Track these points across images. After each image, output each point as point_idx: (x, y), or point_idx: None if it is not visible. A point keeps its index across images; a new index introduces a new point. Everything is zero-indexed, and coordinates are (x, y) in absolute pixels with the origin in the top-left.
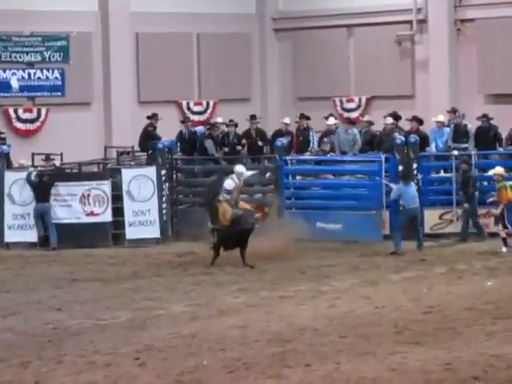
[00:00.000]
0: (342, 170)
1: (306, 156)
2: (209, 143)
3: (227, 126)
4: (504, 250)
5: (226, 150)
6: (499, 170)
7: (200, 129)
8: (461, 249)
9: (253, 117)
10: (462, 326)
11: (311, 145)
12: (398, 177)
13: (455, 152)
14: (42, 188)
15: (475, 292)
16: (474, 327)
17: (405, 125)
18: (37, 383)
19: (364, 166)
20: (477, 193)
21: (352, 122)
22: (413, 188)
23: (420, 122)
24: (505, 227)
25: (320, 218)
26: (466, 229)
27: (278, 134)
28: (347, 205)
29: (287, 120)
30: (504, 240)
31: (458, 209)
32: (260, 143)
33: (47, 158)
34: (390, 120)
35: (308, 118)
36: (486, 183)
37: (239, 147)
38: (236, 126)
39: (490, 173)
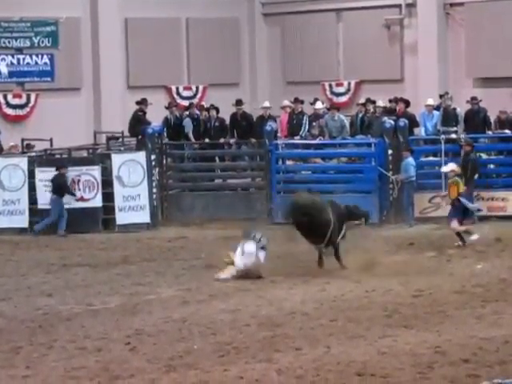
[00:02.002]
0: (337, 153)
1: (297, 140)
2: (187, 122)
3: (208, 110)
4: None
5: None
6: (452, 166)
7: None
8: (450, 232)
9: (238, 102)
10: (452, 309)
11: (303, 129)
12: (404, 150)
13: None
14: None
15: (465, 275)
16: (463, 310)
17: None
18: (28, 368)
19: (359, 149)
20: (476, 176)
21: (336, 108)
22: None
23: (407, 103)
24: (460, 223)
25: None
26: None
27: (262, 119)
28: (342, 188)
29: (267, 104)
30: (458, 235)
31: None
32: None
33: (28, 146)
34: (381, 103)
35: (302, 102)
36: (491, 166)
37: (222, 139)
38: (217, 110)
39: (444, 170)
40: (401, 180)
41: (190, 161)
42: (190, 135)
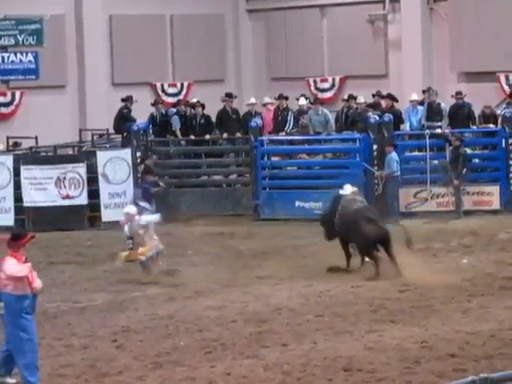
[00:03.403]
0: (322, 149)
1: (282, 136)
2: (175, 119)
3: (194, 107)
4: None
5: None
6: (352, 188)
7: (174, 110)
8: (435, 227)
9: (229, 95)
10: (438, 303)
11: (287, 125)
12: (387, 145)
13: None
14: None
15: (451, 270)
16: (449, 305)
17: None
18: None
19: (344, 144)
20: (465, 170)
21: (320, 102)
22: None
23: (394, 99)
24: None
25: (299, 197)
26: (459, 205)
27: (248, 115)
28: (328, 183)
29: (253, 100)
30: None
31: (432, 187)
32: None
33: (15, 144)
34: (362, 99)
35: (286, 98)
36: (476, 160)
37: (207, 136)
38: (203, 107)
39: (343, 192)
40: (385, 176)
41: (176, 157)
42: (178, 132)
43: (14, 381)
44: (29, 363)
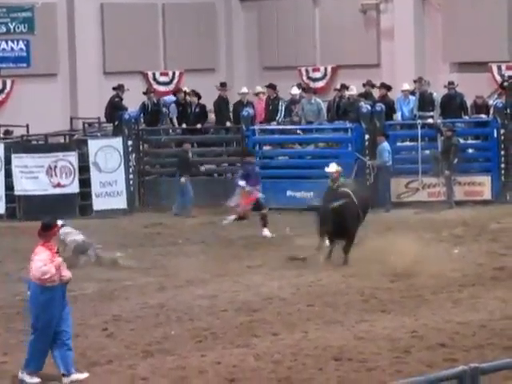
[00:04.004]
0: (314, 139)
1: (274, 126)
2: (172, 107)
3: (186, 94)
4: None
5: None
6: (336, 167)
7: (169, 98)
8: (427, 217)
9: (223, 84)
10: (429, 293)
11: (279, 114)
12: (379, 135)
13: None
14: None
15: (442, 260)
16: (440, 295)
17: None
18: (5, 355)
19: (336, 134)
20: (456, 160)
21: (313, 91)
22: None
23: (388, 88)
24: None
25: (290, 186)
26: (450, 196)
27: (240, 104)
28: (320, 173)
29: (245, 89)
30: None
31: (424, 177)
32: None
33: (6, 132)
34: (353, 91)
35: (274, 88)
36: (470, 151)
37: (199, 125)
38: (199, 96)
39: (328, 170)
40: (376, 166)
41: (168, 146)
42: (175, 120)
43: (37, 380)
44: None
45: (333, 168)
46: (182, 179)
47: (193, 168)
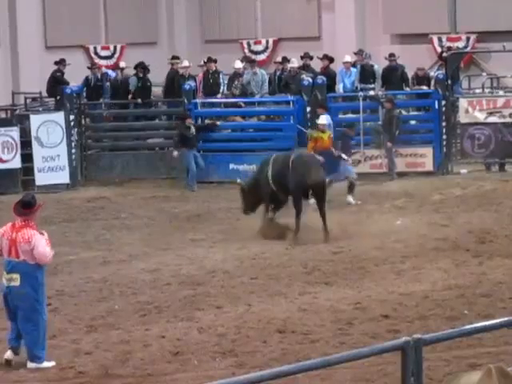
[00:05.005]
0: (256, 112)
1: (216, 99)
2: (132, 80)
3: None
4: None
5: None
6: (328, 118)
7: (111, 72)
8: (369, 189)
9: (175, 57)
10: (372, 265)
11: (221, 88)
12: (319, 107)
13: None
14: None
15: (384, 231)
16: (383, 266)
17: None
18: None
19: (278, 107)
20: (397, 132)
21: (254, 61)
22: None
23: (331, 60)
24: None
25: (233, 159)
26: (392, 168)
27: (181, 78)
28: (262, 146)
29: (186, 63)
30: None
31: (365, 149)
32: None
33: None
34: (294, 63)
35: (215, 61)
36: (412, 122)
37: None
38: (147, 70)
39: (320, 122)
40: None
41: (109, 120)
42: (135, 93)
43: (52, 363)
44: (40, 338)
45: (324, 120)
46: (175, 153)
47: (195, 142)
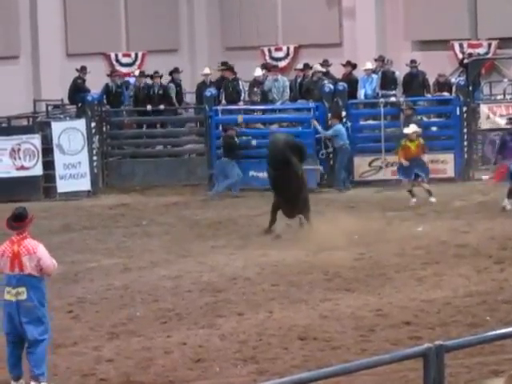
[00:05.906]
0: (277, 118)
1: (238, 106)
2: (172, 87)
3: (152, 77)
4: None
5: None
6: (414, 128)
7: (132, 80)
8: (390, 195)
9: (224, 63)
10: (393, 271)
11: (242, 95)
12: (332, 118)
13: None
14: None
15: (405, 238)
16: (404, 273)
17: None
18: None
19: (297, 114)
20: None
21: (275, 68)
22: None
23: (353, 66)
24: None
25: (253, 166)
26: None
27: (203, 85)
28: None
29: (207, 70)
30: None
31: (387, 156)
32: None
33: None
34: (318, 68)
35: (231, 69)
36: (434, 129)
37: (162, 106)
38: (161, 77)
39: (406, 131)
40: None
41: (130, 127)
42: (175, 100)
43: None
44: (45, 353)
45: (410, 129)
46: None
47: (239, 152)
